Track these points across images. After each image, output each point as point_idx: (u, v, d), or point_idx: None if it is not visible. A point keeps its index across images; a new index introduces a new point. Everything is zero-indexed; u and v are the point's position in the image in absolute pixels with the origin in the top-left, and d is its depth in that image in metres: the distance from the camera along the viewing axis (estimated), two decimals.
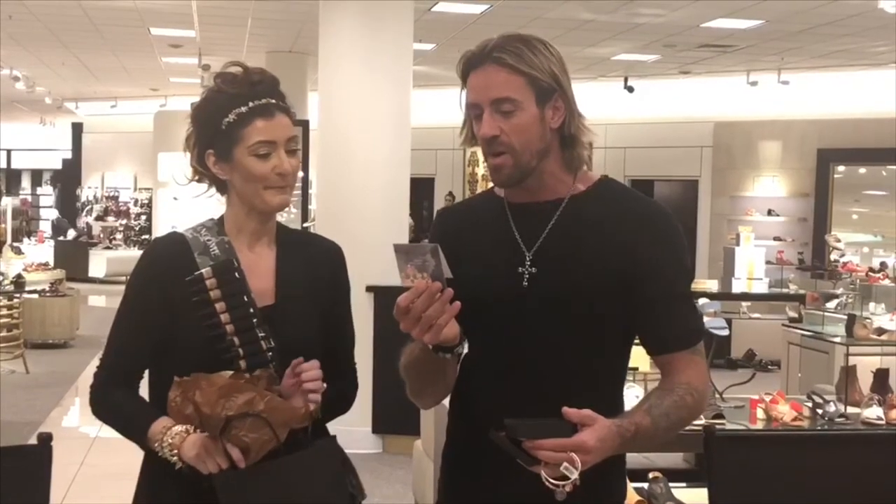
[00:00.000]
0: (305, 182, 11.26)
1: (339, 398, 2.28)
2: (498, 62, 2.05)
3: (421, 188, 16.17)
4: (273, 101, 2.17)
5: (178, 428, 2.08)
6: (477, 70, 2.08)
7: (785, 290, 11.00)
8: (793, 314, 9.38)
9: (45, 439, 2.28)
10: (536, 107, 2.06)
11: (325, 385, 2.10)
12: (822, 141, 14.64)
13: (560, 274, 2.08)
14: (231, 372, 2.07)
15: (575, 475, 1.85)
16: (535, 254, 2.10)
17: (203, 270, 2.15)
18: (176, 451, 2.07)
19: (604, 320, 2.09)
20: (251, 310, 2.15)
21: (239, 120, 2.13)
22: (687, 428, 2.14)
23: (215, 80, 2.20)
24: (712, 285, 11.22)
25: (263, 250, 2.26)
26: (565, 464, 1.85)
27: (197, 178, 2.25)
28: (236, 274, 2.16)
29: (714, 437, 2.29)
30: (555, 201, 2.12)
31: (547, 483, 1.86)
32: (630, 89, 14.69)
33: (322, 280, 2.29)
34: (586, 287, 2.06)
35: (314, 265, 2.29)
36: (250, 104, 2.13)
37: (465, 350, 2.08)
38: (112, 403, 2.21)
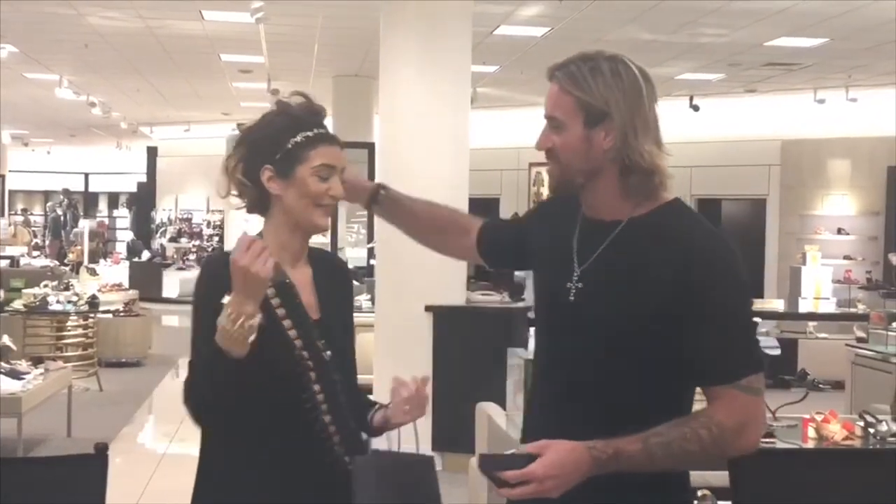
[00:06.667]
0: None
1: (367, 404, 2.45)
2: (556, 80, 2.15)
3: (486, 208, 16.25)
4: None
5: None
6: (550, 84, 2.19)
7: (852, 310, 10.85)
8: (861, 334, 9.24)
9: (101, 449, 2.39)
10: (583, 128, 2.11)
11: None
12: (893, 158, 14.40)
13: (604, 295, 2.10)
14: None
15: None
16: (584, 271, 2.14)
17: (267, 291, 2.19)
18: (241, 319, 2.06)
19: (648, 347, 2.06)
20: (310, 322, 2.29)
21: (306, 142, 2.26)
22: None
23: (279, 104, 2.33)
24: (778, 304, 11.14)
25: (302, 268, 2.36)
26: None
27: (238, 192, 2.33)
28: (294, 291, 2.29)
29: None
30: (614, 222, 2.14)
31: None
32: (695, 108, 14.62)
33: (345, 293, 2.46)
34: (629, 312, 2.06)
35: (337, 280, 2.45)
36: (315, 130, 2.27)
37: None
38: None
